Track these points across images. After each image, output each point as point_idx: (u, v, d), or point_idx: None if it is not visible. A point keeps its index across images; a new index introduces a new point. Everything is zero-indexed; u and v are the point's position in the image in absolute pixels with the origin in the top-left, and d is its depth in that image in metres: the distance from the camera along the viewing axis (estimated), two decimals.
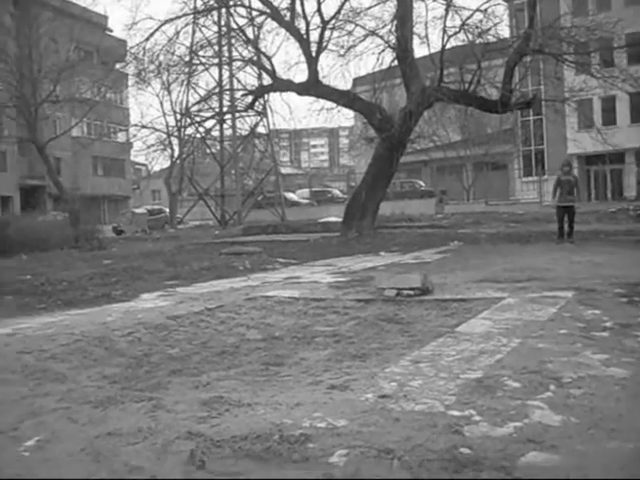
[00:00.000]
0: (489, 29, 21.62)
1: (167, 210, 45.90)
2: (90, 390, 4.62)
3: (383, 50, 22.68)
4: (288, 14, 22.98)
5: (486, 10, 21.33)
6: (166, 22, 24.56)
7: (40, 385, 4.82)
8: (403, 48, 21.43)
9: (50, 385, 4.81)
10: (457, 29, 21.41)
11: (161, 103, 44.88)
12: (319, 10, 22.32)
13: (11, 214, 37.23)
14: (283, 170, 56.81)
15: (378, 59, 23.08)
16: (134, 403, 4.22)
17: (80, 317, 7.89)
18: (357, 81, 29.05)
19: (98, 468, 3.15)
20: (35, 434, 3.67)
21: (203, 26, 27.18)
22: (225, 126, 41.54)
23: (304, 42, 22.57)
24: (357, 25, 23.19)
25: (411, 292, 8.29)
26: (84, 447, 3.44)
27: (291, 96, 29.37)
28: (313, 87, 22.70)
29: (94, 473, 3.09)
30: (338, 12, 22.69)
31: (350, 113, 29.15)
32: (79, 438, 3.59)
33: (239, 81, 34.94)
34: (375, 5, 23.87)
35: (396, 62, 22.43)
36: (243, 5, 24.96)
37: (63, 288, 10.78)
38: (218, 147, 42.98)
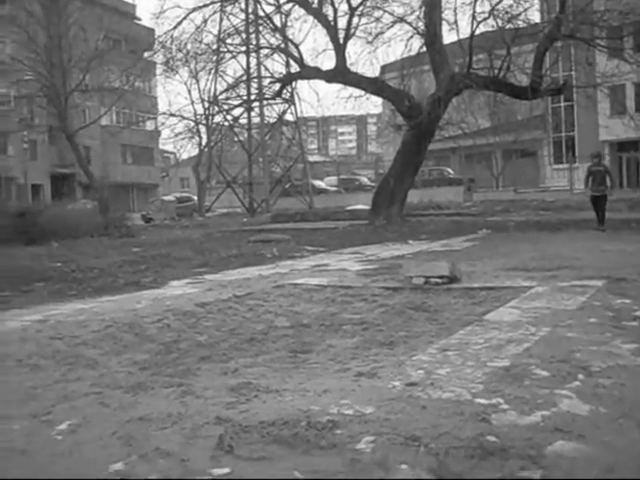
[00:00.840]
0: (519, 14, 21.40)
1: (195, 198, 46.15)
2: (121, 376, 4.69)
3: (411, 37, 22.58)
4: (316, 1, 22.94)
5: None
6: (194, 10, 24.72)
7: (72, 370, 4.90)
8: (432, 34, 21.28)
9: (82, 370, 4.89)
10: (486, 15, 21.21)
11: (189, 91, 45.05)
12: None
13: (42, 202, 37.70)
14: (311, 158, 56.81)
15: (406, 46, 23.00)
16: (164, 389, 4.28)
17: (110, 304, 7.99)
18: (385, 68, 28.91)
19: (129, 452, 3.20)
20: (67, 418, 3.74)
21: (230, 14, 27.23)
22: (253, 114, 41.60)
23: (332, 29, 22.51)
24: (385, 11, 23.13)
25: (439, 280, 8.27)
26: (115, 431, 3.50)
27: (319, 83, 29.39)
28: (341, 74, 22.64)
29: (125, 456, 3.15)
30: None
31: (378, 100, 29.12)
32: (110, 422, 3.65)
33: (267, 69, 34.93)
34: None
35: (424, 49, 22.29)
36: None
37: (93, 275, 10.93)
38: (246, 135, 43.06)
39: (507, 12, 21.17)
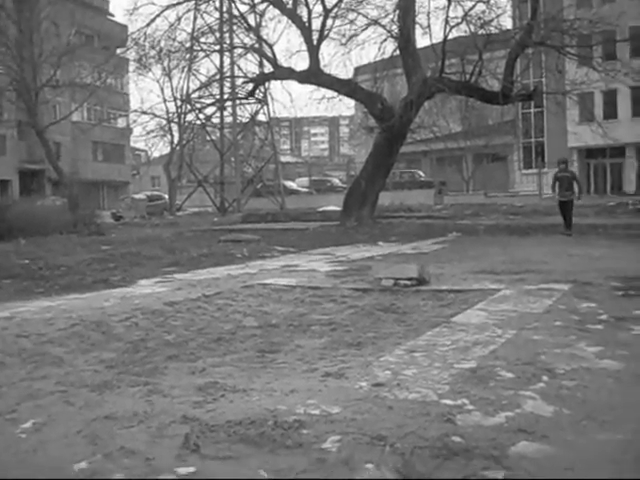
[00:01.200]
0: (491, 20, 21.61)
1: (166, 196, 45.85)
2: (87, 374, 4.66)
3: (385, 39, 22.68)
4: (290, 2, 22.94)
5: (489, 1, 21.35)
6: (168, 8, 24.58)
7: (38, 368, 4.85)
8: (405, 38, 21.39)
9: (47, 368, 4.84)
10: (459, 20, 21.40)
11: (161, 89, 44.62)
12: None
13: (10, 198, 37.18)
14: (283, 158, 56.79)
15: (380, 48, 23.13)
16: (130, 387, 4.25)
17: (78, 302, 7.92)
18: (358, 70, 28.99)
19: (94, 451, 3.18)
20: (32, 417, 3.71)
21: (205, 12, 27.15)
22: (225, 113, 41.52)
23: (306, 30, 22.52)
24: (359, 14, 23.19)
25: (408, 282, 8.33)
26: (80, 430, 3.47)
27: (292, 84, 29.47)
28: (314, 75, 22.67)
29: (90, 455, 3.12)
30: (340, 0, 22.66)
31: (351, 102, 29.16)
32: (76, 421, 3.62)
33: (240, 68, 34.90)
34: None
35: (398, 52, 22.40)
36: None
37: (61, 273, 10.81)
38: (218, 134, 42.93)
39: (480, 18, 21.39)
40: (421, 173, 49.91)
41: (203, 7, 26.59)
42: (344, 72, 24.95)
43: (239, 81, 33.65)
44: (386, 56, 23.11)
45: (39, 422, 3.63)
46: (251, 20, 25.76)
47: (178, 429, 3.41)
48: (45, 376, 4.62)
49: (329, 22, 22.70)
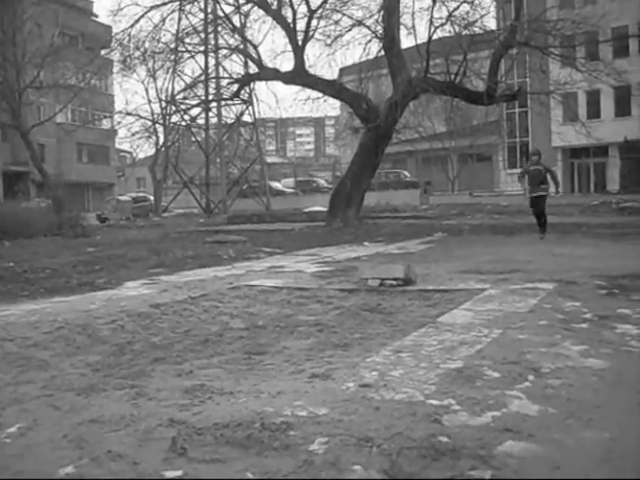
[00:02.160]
0: (476, 21, 21.71)
1: (152, 198, 45.68)
2: (73, 377, 4.63)
3: (370, 40, 22.73)
4: (275, 2, 22.94)
5: (473, 2, 21.44)
6: (152, 8, 24.50)
7: (23, 372, 4.82)
8: (390, 38, 21.44)
9: (33, 372, 4.81)
10: (444, 20, 21.48)
11: (146, 90, 44.52)
12: None
13: None
14: (268, 159, 56.79)
15: (365, 49, 23.16)
16: (117, 391, 4.24)
17: (63, 305, 7.87)
18: (343, 71, 29.03)
19: (80, 455, 3.17)
20: (17, 421, 3.68)
21: (189, 13, 27.06)
22: (210, 114, 41.41)
23: (291, 31, 22.52)
24: (344, 15, 23.22)
25: (394, 282, 8.34)
26: (66, 434, 3.45)
27: (277, 85, 29.37)
28: (299, 76, 22.67)
29: (76, 459, 3.11)
30: (325, 1, 22.69)
31: (336, 103, 29.15)
32: (61, 425, 3.60)
33: (225, 69, 34.83)
34: None
35: (383, 52, 22.45)
36: None
37: (46, 275, 10.75)
38: (203, 135, 42.83)
39: (464, 18, 21.48)
40: (407, 173, 50.04)
41: (188, 8, 26.52)
42: (329, 73, 25.04)
43: (224, 82, 33.60)
44: (371, 57, 23.16)
45: (24, 426, 3.61)
46: (236, 21, 25.76)
47: (165, 432, 3.40)
48: (31, 380, 4.59)
49: (314, 23, 22.75)
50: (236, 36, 26.42)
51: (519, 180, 16.07)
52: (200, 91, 38.51)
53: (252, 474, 2.90)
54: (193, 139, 44.76)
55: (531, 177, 15.15)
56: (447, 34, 22.12)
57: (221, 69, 35.57)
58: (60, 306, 7.75)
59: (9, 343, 5.75)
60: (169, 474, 2.93)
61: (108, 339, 5.94)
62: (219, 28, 29.66)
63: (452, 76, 21.49)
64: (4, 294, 9.01)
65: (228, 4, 26.08)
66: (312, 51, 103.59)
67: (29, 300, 8.46)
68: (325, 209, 24.75)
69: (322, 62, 51.29)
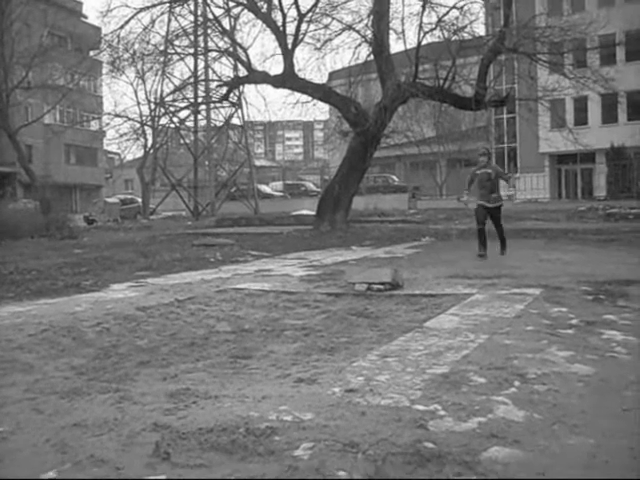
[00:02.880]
0: (465, 27, 21.77)
1: (140, 200, 45.54)
2: (57, 381, 4.59)
3: (359, 44, 22.76)
4: (265, 6, 22.92)
5: (462, 8, 21.49)
6: (142, 10, 24.42)
7: (6, 375, 4.77)
8: (379, 43, 21.49)
9: (16, 375, 4.77)
10: (433, 26, 21.54)
11: (135, 92, 44.48)
12: (296, 3, 22.33)
13: None
14: (257, 162, 56.76)
15: (354, 53, 23.18)
16: (101, 394, 4.20)
17: (49, 307, 7.82)
18: (333, 75, 29.06)
19: (63, 459, 3.14)
20: None
21: (179, 15, 26.95)
22: (199, 117, 41.34)
23: (280, 34, 22.52)
24: (334, 19, 23.24)
25: (381, 287, 8.34)
26: (49, 438, 3.42)
27: (266, 88, 29.38)
28: (289, 80, 22.67)
29: (58, 464, 3.08)
30: (315, 5, 22.70)
31: (325, 107, 29.22)
32: (44, 429, 3.57)
33: (214, 72, 34.71)
34: None
35: (372, 57, 22.50)
36: None
37: (32, 277, 10.67)
38: (192, 137, 42.75)
39: (453, 24, 21.53)
40: (395, 178, 50.15)
41: (177, 10, 26.44)
42: (319, 77, 25.09)
43: (213, 85, 33.50)
44: (360, 61, 23.20)
45: (7, 430, 3.57)
46: (225, 24, 25.72)
47: (149, 437, 3.38)
48: (14, 383, 4.55)
49: (304, 27, 22.75)
50: (226, 39, 26.36)
51: (468, 184, 13.25)
52: (189, 93, 38.37)
53: (236, 479, 2.88)
54: (182, 141, 44.68)
55: (479, 182, 12.85)
56: (436, 39, 22.18)
57: (210, 72, 35.48)
58: (45, 308, 7.69)
59: None
60: (152, 479, 2.91)
61: (93, 342, 5.90)
62: (209, 31, 29.55)
63: (441, 81, 21.56)
64: None
65: (218, 7, 26.04)
66: (302, 55, 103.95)
67: (14, 302, 8.38)
68: (313, 213, 24.74)
69: (311, 66, 51.48)
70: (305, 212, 30.50)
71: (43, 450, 3.28)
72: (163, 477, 2.92)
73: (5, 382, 4.58)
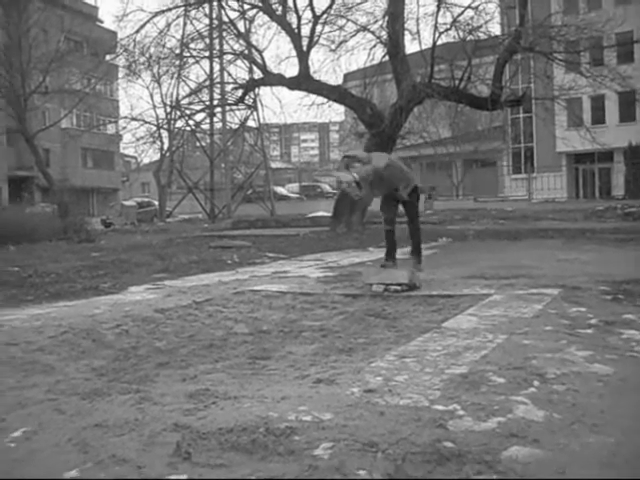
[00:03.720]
0: (480, 26, 21.71)
1: (156, 203, 45.79)
2: (78, 382, 4.63)
3: (374, 46, 22.75)
4: (280, 8, 22.98)
5: (477, 7, 21.45)
6: (157, 14, 24.58)
7: (27, 377, 4.82)
8: (394, 44, 21.46)
9: (38, 377, 4.81)
10: (448, 26, 21.47)
11: (151, 95, 44.70)
12: (311, 4, 22.37)
13: None
14: (273, 164, 56.88)
15: (369, 54, 23.16)
16: (121, 395, 4.23)
17: (68, 309, 7.88)
18: (348, 76, 29.05)
19: (84, 459, 3.16)
20: (22, 425, 3.68)
21: (194, 19, 27.08)
22: (215, 119, 41.49)
23: (295, 36, 22.57)
24: (349, 20, 23.25)
25: (398, 288, 8.33)
26: (71, 438, 3.45)
27: (282, 90, 29.50)
28: (304, 82, 22.71)
29: (80, 464, 3.11)
30: (330, 7, 22.72)
31: (340, 108, 29.22)
32: (66, 429, 3.60)
33: (230, 74, 34.81)
34: (367, 0, 24.01)
35: (387, 58, 22.47)
36: None
37: (51, 280, 10.75)
38: (208, 140, 42.91)
39: (468, 24, 21.47)
40: None
41: (193, 13, 26.58)
42: (334, 78, 25.12)
43: (229, 87, 33.62)
44: (375, 62, 23.18)
45: (29, 431, 3.60)
46: (241, 26, 25.79)
47: (169, 437, 3.40)
48: (35, 384, 4.59)
49: (318, 28, 22.78)
50: (241, 41, 26.47)
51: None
52: (205, 96, 38.55)
53: (257, 479, 2.90)
54: (198, 144, 44.84)
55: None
56: (452, 39, 22.13)
57: (226, 74, 35.61)
58: (65, 310, 7.76)
59: (13, 347, 5.75)
60: (174, 478, 2.93)
61: (112, 344, 5.95)
62: (224, 34, 29.68)
63: (457, 81, 21.50)
64: (9, 298, 9.02)
65: (233, 10, 26.11)
66: (317, 56, 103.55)
67: (33, 304, 8.46)
68: (329, 214, 24.74)
69: (327, 67, 51.56)
70: (321, 214, 30.50)
71: (65, 450, 3.31)
72: (184, 477, 2.94)
73: (27, 383, 4.63)
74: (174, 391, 4.30)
